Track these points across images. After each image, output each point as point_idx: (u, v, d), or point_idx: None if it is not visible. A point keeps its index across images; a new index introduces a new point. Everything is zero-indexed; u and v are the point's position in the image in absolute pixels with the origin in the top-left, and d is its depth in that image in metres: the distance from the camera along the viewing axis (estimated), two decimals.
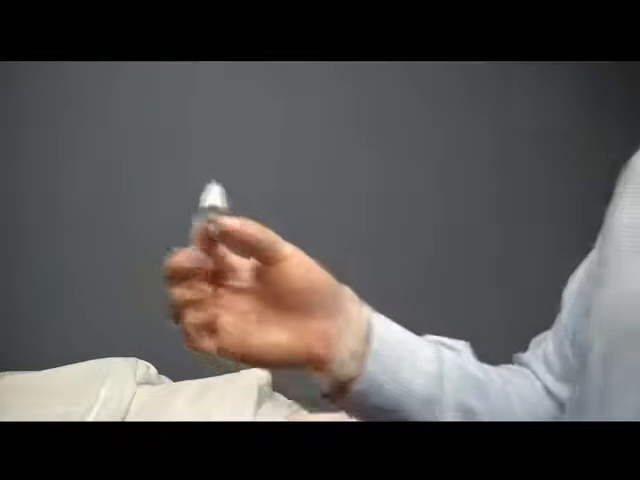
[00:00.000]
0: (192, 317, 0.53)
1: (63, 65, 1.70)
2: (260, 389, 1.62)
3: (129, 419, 1.52)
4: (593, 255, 0.68)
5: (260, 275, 0.55)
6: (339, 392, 0.57)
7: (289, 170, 1.85)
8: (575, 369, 0.65)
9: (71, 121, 1.81)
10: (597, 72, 1.74)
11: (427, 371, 0.59)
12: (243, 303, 0.55)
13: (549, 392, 0.67)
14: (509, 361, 0.73)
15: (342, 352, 0.55)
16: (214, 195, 0.53)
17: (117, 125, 1.82)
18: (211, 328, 0.54)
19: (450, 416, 0.59)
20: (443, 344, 0.64)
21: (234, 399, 1.57)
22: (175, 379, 1.74)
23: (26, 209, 1.82)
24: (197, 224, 0.52)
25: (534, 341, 0.73)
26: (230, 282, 0.55)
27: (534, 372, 0.69)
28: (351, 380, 0.56)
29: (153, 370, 1.73)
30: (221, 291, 0.55)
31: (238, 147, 1.84)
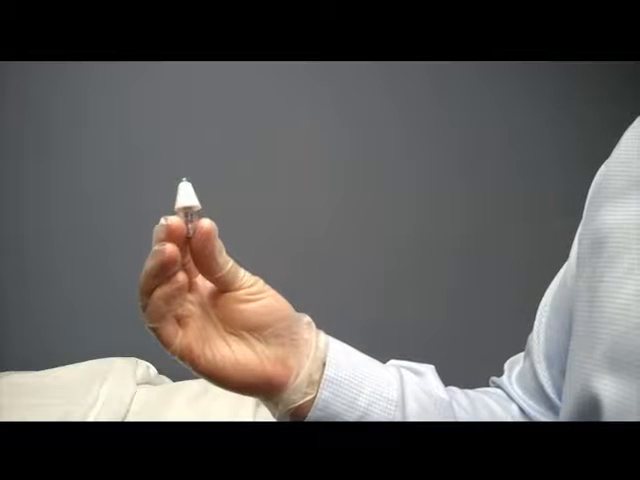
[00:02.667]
0: (161, 291, 0.51)
1: (62, 65, 1.71)
2: None
3: (129, 419, 1.52)
4: (566, 269, 0.65)
5: (216, 298, 0.55)
6: (292, 417, 0.57)
7: (292, 170, 1.85)
8: (552, 396, 0.63)
9: (71, 121, 1.81)
10: (607, 70, 1.74)
11: (387, 396, 0.58)
12: (205, 315, 0.55)
13: (525, 415, 0.66)
14: None
15: (298, 379, 0.55)
16: (190, 194, 0.53)
17: (111, 124, 1.82)
18: (178, 319, 0.53)
19: None
20: (405, 367, 0.63)
21: (234, 399, 1.57)
22: (175, 379, 1.74)
23: (26, 209, 1.82)
24: (171, 221, 0.51)
25: (509, 362, 0.71)
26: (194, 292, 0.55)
27: (509, 394, 0.68)
28: (304, 408, 0.56)
29: (153, 370, 1.74)
30: (189, 295, 0.55)
31: (239, 147, 1.84)
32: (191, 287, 0.54)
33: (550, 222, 1.86)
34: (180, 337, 0.54)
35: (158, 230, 0.51)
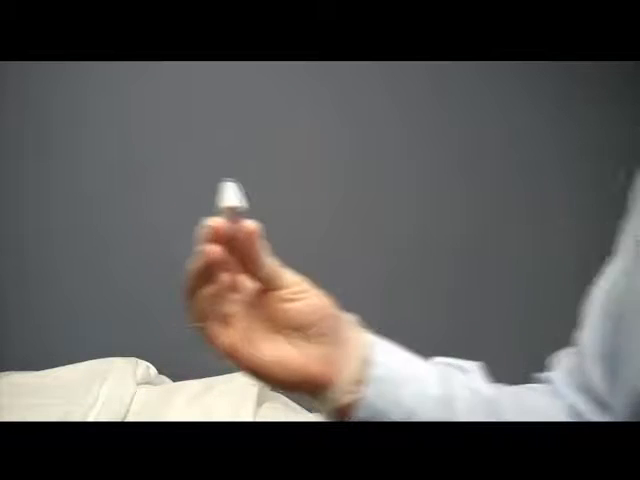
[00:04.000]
0: (206, 292, 0.52)
1: (62, 65, 1.70)
2: (260, 389, 1.62)
3: (129, 419, 1.52)
4: (617, 270, 0.63)
5: (261, 297, 0.55)
6: (338, 416, 0.56)
7: (292, 170, 1.85)
8: (605, 392, 0.61)
9: (71, 121, 1.81)
10: (607, 70, 1.74)
11: (434, 395, 0.58)
12: (249, 314, 0.55)
13: (574, 411, 0.64)
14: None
15: (342, 379, 0.55)
16: (236, 195, 0.52)
17: (111, 124, 1.82)
18: (223, 319, 0.53)
19: None
20: (451, 365, 0.62)
21: (234, 399, 1.57)
22: (175, 379, 1.74)
23: (26, 209, 1.82)
24: (216, 222, 0.50)
25: (557, 358, 0.70)
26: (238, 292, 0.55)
27: (557, 389, 0.66)
28: (350, 406, 0.56)
29: (153, 370, 1.73)
30: (234, 294, 0.54)
31: (239, 147, 1.84)
32: (235, 286, 0.54)
33: (551, 222, 1.86)
34: (225, 336, 0.53)
35: (203, 231, 0.51)
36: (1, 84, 1.77)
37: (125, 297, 1.83)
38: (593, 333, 0.64)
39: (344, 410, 0.56)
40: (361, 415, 0.56)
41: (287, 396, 1.73)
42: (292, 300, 0.54)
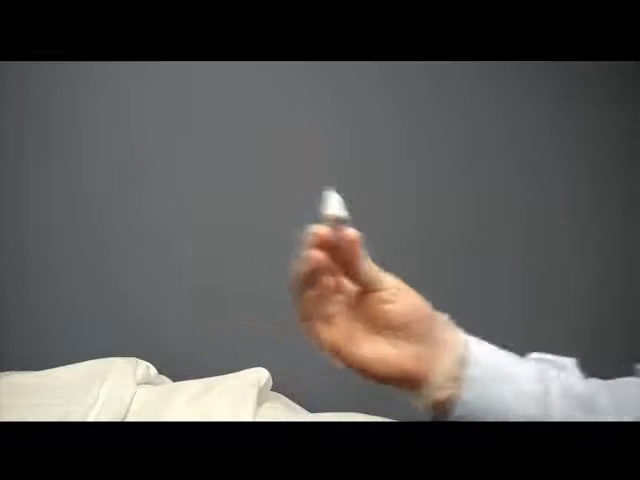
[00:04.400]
0: (311, 294, 0.56)
1: (62, 65, 1.71)
2: (260, 389, 1.62)
3: (129, 419, 1.52)
4: None
5: (362, 298, 0.59)
6: (434, 412, 0.58)
7: (292, 171, 1.85)
8: None
9: (71, 121, 1.81)
10: (607, 70, 1.74)
11: (530, 392, 0.59)
12: (350, 315, 0.59)
13: None
14: None
15: (437, 376, 0.58)
16: (340, 205, 0.57)
17: (111, 125, 1.82)
18: (326, 318, 0.57)
19: None
20: (546, 361, 0.63)
21: (234, 399, 1.57)
22: (175, 379, 1.74)
23: (26, 209, 1.82)
24: (320, 230, 0.55)
25: None
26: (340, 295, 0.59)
27: None
28: (444, 402, 0.58)
29: (153, 370, 1.73)
30: (336, 295, 0.58)
31: (239, 147, 1.84)
32: (338, 288, 0.58)
33: (551, 222, 1.86)
34: (328, 334, 0.57)
35: (309, 238, 0.56)
36: (1, 84, 1.78)
37: (125, 297, 1.83)
38: None
39: (438, 406, 0.58)
40: (457, 414, 0.58)
41: (287, 396, 1.74)
42: (390, 302, 0.58)
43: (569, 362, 0.64)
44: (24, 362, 1.73)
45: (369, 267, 0.58)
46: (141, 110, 1.82)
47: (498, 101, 1.87)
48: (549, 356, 0.64)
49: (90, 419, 1.48)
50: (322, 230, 0.55)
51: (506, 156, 1.88)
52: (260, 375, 1.64)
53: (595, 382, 0.64)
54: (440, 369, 0.58)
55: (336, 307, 0.58)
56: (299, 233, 0.56)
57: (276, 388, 1.71)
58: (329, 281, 0.56)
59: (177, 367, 1.75)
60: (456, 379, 0.58)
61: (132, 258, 1.82)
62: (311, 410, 1.71)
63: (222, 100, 1.82)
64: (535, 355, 0.65)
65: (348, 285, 0.59)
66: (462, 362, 0.58)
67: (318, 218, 0.55)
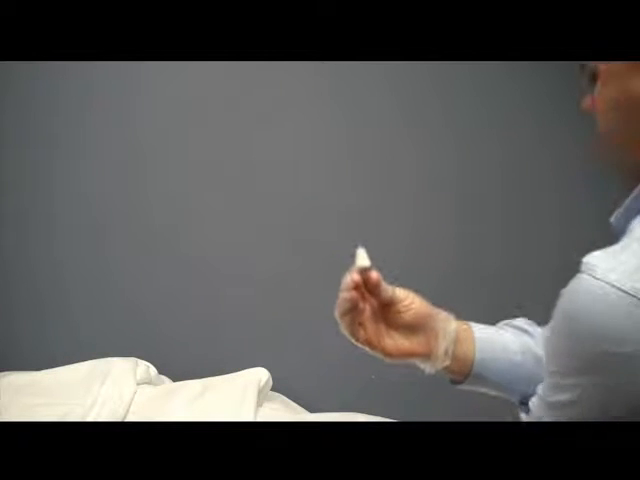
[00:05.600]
0: (350, 316, 0.83)
1: (63, 65, 1.71)
2: (260, 389, 1.62)
3: (129, 419, 1.52)
4: None
5: (384, 309, 0.85)
6: (444, 373, 0.86)
7: (291, 174, 1.85)
8: None
9: (71, 122, 1.82)
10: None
11: (515, 361, 0.85)
12: (377, 320, 0.86)
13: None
14: None
15: (438, 353, 0.85)
16: (366, 258, 0.82)
17: (111, 124, 1.83)
18: (361, 324, 0.84)
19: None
20: (518, 328, 0.88)
21: (234, 399, 1.57)
22: (175, 379, 1.74)
23: (27, 209, 1.82)
24: (355, 277, 0.81)
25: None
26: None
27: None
28: (447, 369, 0.85)
29: (153, 370, 1.74)
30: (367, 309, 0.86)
31: (240, 147, 1.84)
32: (367, 304, 0.85)
33: (550, 225, 1.86)
34: (362, 334, 0.84)
35: (348, 282, 0.81)
36: (1, 84, 1.78)
37: (125, 297, 1.83)
38: None
39: (442, 370, 0.86)
40: (475, 372, 0.85)
41: (287, 396, 1.74)
42: (405, 311, 0.84)
43: (529, 325, 0.89)
44: (24, 362, 1.73)
45: (387, 291, 0.83)
46: (141, 110, 1.82)
47: (497, 101, 1.87)
48: (518, 322, 0.90)
49: (90, 419, 1.48)
50: (356, 277, 0.82)
51: (507, 157, 1.88)
52: (260, 375, 1.65)
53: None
54: (439, 349, 0.85)
55: (367, 316, 0.85)
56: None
57: (276, 388, 1.71)
58: (361, 306, 0.83)
59: (177, 367, 1.75)
60: (449, 353, 0.85)
61: (133, 258, 1.82)
62: (311, 410, 1.71)
63: (222, 100, 1.82)
64: (506, 322, 0.90)
65: (374, 301, 0.85)
66: (452, 341, 0.85)
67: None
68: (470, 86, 1.86)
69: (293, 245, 1.81)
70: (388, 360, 0.86)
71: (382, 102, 1.85)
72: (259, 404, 1.59)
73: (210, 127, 1.82)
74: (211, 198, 1.81)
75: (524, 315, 0.92)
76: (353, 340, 0.85)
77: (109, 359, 1.70)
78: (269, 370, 1.69)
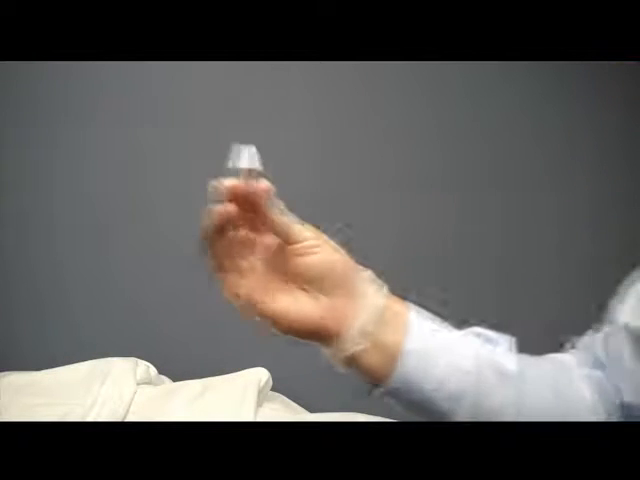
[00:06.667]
0: (220, 246, 0.56)
1: (63, 65, 1.70)
2: (260, 389, 1.62)
3: (129, 419, 1.52)
4: None
5: (281, 251, 0.59)
6: (347, 366, 0.59)
7: (287, 171, 1.85)
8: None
9: (74, 120, 1.81)
10: (601, 72, 1.74)
11: (464, 368, 0.59)
12: (267, 267, 0.59)
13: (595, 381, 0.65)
14: None
15: (352, 329, 0.58)
16: (254, 157, 0.56)
17: (110, 125, 1.82)
18: (240, 271, 0.58)
19: (480, 413, 0.58)
20: (482, 336, 0.63)
21: (234, 399, 1.57)
22: (175, 379, 1.74)
23: (27, 208, 1.82)
24: (231, 182, 0.54)
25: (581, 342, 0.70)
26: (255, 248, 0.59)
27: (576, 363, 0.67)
28: (356, 358, 0.58)
29: (153, 370, 1.73)
30: (254, 248, 0.59)
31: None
32: (256, 241, 0.59)
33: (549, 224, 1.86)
34: (241, 287, 0.57)
35: (217, 189, 0.55)
36: (4, 83, 1.77)
37: (125, 297, 1.83)
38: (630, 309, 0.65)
39: (351, 361, 0.58)
40: (395, 385, 0.58)
41: (287, 396, 1.73)
42: (307, 254, 0.58)
43: (505, 339, 0.64)
44: (24, 362, 1.73)
45: (284, 219, 0.57)
46: (141, 110, 1.81)
47: (498, 101, 1.87)
48: (484, 331, 0.64)
49: (90, 419, 1.48)
50: (232, 182, 0.55)
51: (509, 157, 1.88)
52: (260, 375, 1.64)
53: (527, 359, 0.64)
54: (355, 323, 0.58)
55: (252, 260, 0.58)
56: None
57: (276, 388, 1.71)
58: (240, 234, 0.57)
59: (177, 367, 1.75)
60: (368, 333, 0.58)
61: (133, 258, 1.82)
62: (311, 410, 1.71)
63: (222, 100, 1.82)
64: (473, 329, 0.64)
65: (266, 238, 0.59)
66: (377, 318, 0.58)
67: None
68: (465, 85, 1.86)
69: None
70: (279, 332, 0.58)
71: (383, 102, 1.85)
72: (259, 404, 1.59)
73: (210, 127, 1.82)
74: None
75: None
76: (227, 293, 0.58)
77: (109, 359, 1.70)
78: (269, 370, 1.68)
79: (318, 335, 0.58)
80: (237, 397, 1.57)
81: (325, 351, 0.60)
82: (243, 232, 0.57)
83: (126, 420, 1.51)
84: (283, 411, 1.64)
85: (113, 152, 1.82)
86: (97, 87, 1.81)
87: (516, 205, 1.88)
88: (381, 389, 0.59)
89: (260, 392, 1.61)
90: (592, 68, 1.73)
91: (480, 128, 1.87)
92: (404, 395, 0.58)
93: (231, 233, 0.56)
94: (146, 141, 1.82)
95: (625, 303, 0.66)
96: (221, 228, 0.56)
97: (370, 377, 0.59)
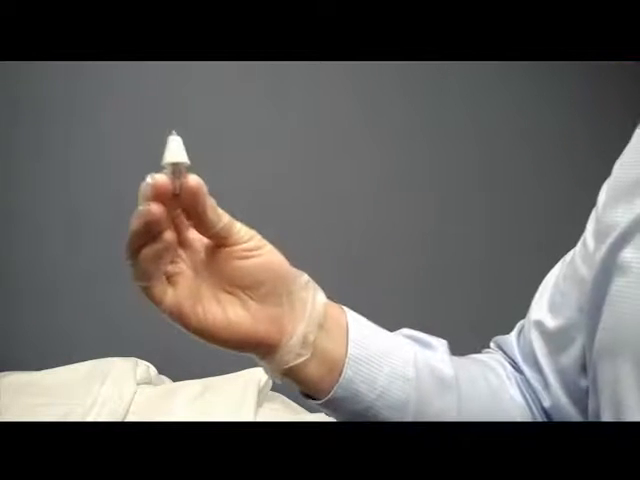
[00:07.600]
0: (148, 250, 0.50)
1: (62, 65, 1.70)
2: (260, 389, 1.62)
3: (129, 419, 1.52)
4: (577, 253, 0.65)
5: (212, 254, 0.53)
6: (283, 378, 0.56)
7: (282, 170, 1.85)
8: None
9: (67, 122, 1.81)
10: (596, 72, 1.74)
11: (405, 375, 0.57)
12: (198, 273, 0.53)
13: (520, 377, 0.65)
14: None
15: (292, 340, 0.54)
16: (179, 150, 0.51)
17: (108, 125, 1.82)
18: (168, 278, 0.52)
19: (423, 419, 0.58)
20: (418, 341, 0.61)
21: (234, 399, 1.57)
22: (175, 379, 1.74)
23: (26, 208, 1.82)
24: (157, 179, 0.49)
25: (518, 325, 0.70)
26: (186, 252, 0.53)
27: (509, 355, 0.67)
28: (296, 370, 0.54)
29: (153, 370, 1.73)
30: (180, 252, 0.53)
31: (241, 147, 1.84)
32: (183, 244, 0.53)
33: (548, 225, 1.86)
34: (170, 296, 0.52)
35: (144, 188, 0.50)
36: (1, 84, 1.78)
37: (125, 297, 1.83)
38: (544, 305, 0.65)
39: (291, 374, 0.55)
40: (336, 396, 0.55)
41: (287, 396, 1.73)
42: (244, 257, 0.52)
43: (440, 343, 0.62)
44: (24, 362, 1.73)
45: (217, 218, 0.51)
46: (140, 110, 1.82)
47: (498, 101, 1.87)
48: (420, 334, 0.62)
49: (90, 419, 1.48)
50: (159, 179, 0.49)
51: (510, 158, 1.88)
52: (260, 375, 1.64)
53: (456, 361, 0.63)
54: (295, 333, 0.53)
55: (179, 265, 0.52)
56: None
57: (276, 388, 1.71)
58: (168, 236, 0.50)
59: (177, 367, 1.75)
60: (310, 344, 0.54)
61: None
62: (311, 410, 1.71)
63: (222, 100, 1.82)
64: (406, 331, 0.62)
65: (197, 241, 0.53)
66: (318, 326, 0.54)
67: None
68: (459, 86, 1.86)
69: (293, 244, 1.80)
70: (212, 344, 0.53)
71: (382, 102, 1.85)
72: (259, 404, 1.59)
73: (211, 127, 1.82)
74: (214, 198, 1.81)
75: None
76: (153, 301, 0.52)
77: (109, 359, 1.70)
78: None
79: (257, 348, 0.54)
80: (237, 397, 1.57)
81: (261, 363, 0.56)
82: (169, 235, 0.50)
83: (126, 420, 1.51)
84: (283, 411, 1.64)
85: (114, 152, 1.82)
86: (97, 87, 1.81)
87: (517, 205, 1.88)
88: (318, 401, 0.56)
89: (260, 392, 1.61)
90: (590, 68, 1.73)
91: (478, 128, 1.87)
92: (346, 405, 0.56)
93: (158, 236, 0.50)
94: (146, 141, 1.82)
95: (535, 299, 0.67)
96: (148, 231, 0.50)
97: (309, 388, 0.56)
